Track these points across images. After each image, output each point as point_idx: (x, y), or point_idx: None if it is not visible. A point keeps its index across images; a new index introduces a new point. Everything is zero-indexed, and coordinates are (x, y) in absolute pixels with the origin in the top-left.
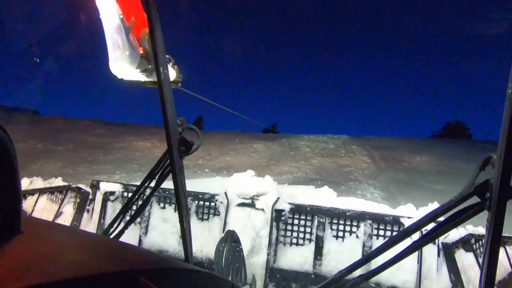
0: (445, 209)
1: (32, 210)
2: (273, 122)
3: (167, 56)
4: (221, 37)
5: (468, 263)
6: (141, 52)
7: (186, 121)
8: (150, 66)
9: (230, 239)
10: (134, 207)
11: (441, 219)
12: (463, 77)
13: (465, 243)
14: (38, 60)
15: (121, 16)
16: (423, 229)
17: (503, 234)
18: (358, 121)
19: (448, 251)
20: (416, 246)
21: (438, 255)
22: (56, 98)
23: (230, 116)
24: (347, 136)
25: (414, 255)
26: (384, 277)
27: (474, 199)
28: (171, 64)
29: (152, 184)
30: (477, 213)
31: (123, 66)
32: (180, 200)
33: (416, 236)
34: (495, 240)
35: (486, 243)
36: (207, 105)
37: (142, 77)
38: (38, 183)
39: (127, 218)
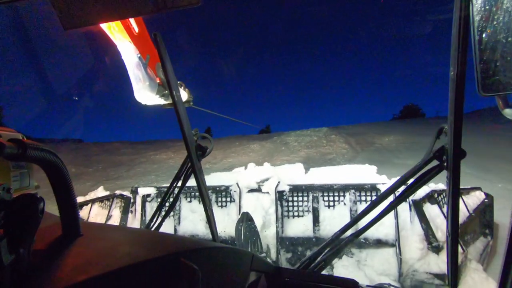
0: (411, 173)
1: (88, 217)
2: (267, 124)
3: (178, 81)
4: (219, 61)
5: (434, 213)
6: (158, 81)
7: (198, 131)
8: (166, 92)
9: (246, 219)
10: (167, 204)
11: (409, 182)
12: (413, 68)
13: (430, 197)
14: (77, 98)
15: (139, 55)
16: (396, 192)
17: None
18: (335, 113)
19: (417, 206)
20: (392, 206)
21: (410, 210)
22: (94, 127)
23: (232, 123)
24: (326, 128)
25: (391, 212)
26: (370, 233)
27: (434, 163)
28: (182, 87)
29: (179, 184)
30: (437, 174)
31: (145, 94)
32: (202, 193)
33: (391, 198)
34: (455, 192)
35: (448, 196)
36: (213, 117)
37: (161, 101)
38: (79, 199)
39: (163, 213)
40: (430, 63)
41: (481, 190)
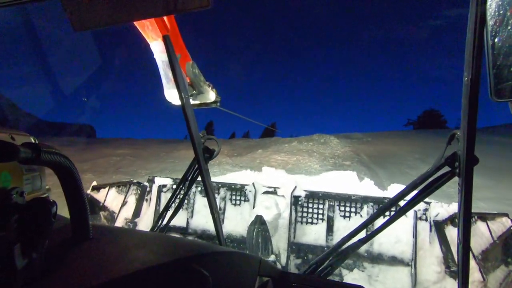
0: (422, 179)
1: (105, 200)
2: (272, 122)
3: (206, 82)
4: (227, 62)
5: (456, 237)
6: (188, 81)
7: (206, 134)
8: (195, 91)
9: (259, 222)
10: (173, 205)
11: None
12: (431, 73)
13: (453, 220)
14: (86, 100)
15: None
16: (406, 198)
17: (484, 211)
18: (343, 117)
19: (438, 227)
20: (402, 211)
21: (430, 230)
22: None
23: (232, 123)
24: (335, 140)
25: (410, 230)
26: (385, 249)
27: (445, 169)
28: (210, 88)
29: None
30: (448, 180)
31: (175, 94)
32: (209, 195)
33: (401, 204)
34: (467, 199)
35: (459, 203)
36: (217, 114)
37: (190, 101)
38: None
39: (173, 209)
40: (450, 65)
41: (508, 217)
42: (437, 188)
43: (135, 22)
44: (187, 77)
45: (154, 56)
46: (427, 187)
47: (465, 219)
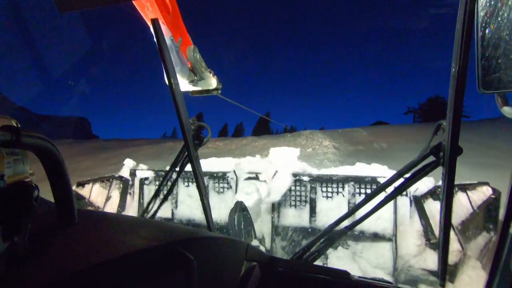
0: (408, 168)
1: (89, 195)
2: (267, 111)
3: (208, 69)
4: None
5: (436, 210)
6: (189, 66)
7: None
8: (196, 77)
9: (239, 208)
10: (164, 191)
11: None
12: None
13: (433, 193)
14: (72, 83)
15: (171, 37)
16: (393, 185)
17: (464, 182)
18: (343, 107)
19: (418, 202)
20: (389, 198)
21: (410, 206)
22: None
23: (229, 111)
24: (330, 147)
25: (390, 207)
26: (367, 226)
27: (430, 158)
28: (211, 74)
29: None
30: (433, 169)
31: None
32: (198, 182)
33: (387, 191)
34: (449, 188)
35: (442, 192)
36: (209, 103)
37: (190, 87)
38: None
39: (159, 200)
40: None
41: (489, 185)
42: (422, 177)
43: (134, 2)
44: (188, 62)
45: (155, 39)
46: (412, 176)
47: (447, 207)
